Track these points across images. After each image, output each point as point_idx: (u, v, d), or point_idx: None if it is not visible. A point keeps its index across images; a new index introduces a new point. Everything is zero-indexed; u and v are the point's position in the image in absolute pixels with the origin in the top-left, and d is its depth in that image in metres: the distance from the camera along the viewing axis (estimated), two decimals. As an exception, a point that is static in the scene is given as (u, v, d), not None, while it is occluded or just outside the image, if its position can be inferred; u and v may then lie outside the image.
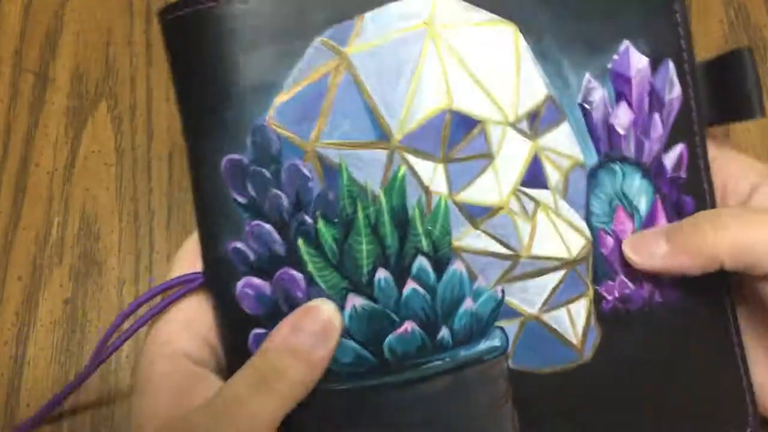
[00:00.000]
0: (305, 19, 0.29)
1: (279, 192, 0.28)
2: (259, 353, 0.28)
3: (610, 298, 0.32)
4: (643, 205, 0.32)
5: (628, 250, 0.32)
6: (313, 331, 0.28)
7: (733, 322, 0.33)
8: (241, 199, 0.29)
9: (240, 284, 0.29)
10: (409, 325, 0.29)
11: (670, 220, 0.32)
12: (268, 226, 0.28)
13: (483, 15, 0.30)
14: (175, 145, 0.42)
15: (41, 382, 0.37)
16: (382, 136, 0.29)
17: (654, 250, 0.31)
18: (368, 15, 0.29)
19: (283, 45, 0.28)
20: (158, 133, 0.42)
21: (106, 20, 0.45)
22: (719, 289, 0.33)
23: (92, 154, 0.42)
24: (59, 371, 0.38)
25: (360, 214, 0.29)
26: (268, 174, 0.28)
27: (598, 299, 0.32)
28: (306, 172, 0.29)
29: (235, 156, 0.28)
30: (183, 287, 0.30)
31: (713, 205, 0.33)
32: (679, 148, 0.32)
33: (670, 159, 0.32)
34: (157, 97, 0.43)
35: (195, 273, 0.30)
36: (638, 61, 0.32)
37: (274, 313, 0.29)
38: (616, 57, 0.32)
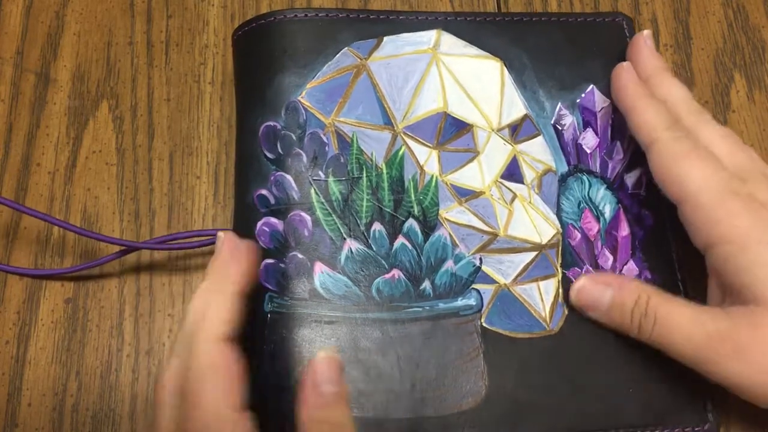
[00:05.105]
0: (338, 35, 0.38)
1: (300, 151, 0.35)
2: None
3: (576, 282, 0.36)
4: (607, 211, 0.38)
5: (573, 297, 0.35)
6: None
7: None
8: (270, 155, 0.36)
9: (260, 223, 0.35)
10: (396, 273, 0.34)
11: (632, 228, 0.37)
12: (288, 177, 0.35)
13: (477, 51, 0.39)
14: (176, 144, 0.42)
15: (42, 381, 0.37)
16: (388, 122, 0.37)
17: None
18: (386, 38, 0.38)
19: (320, 49, 0.37)
20: (159, 133, 0.42)
21: (107, 20, 0.45)
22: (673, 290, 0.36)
23: (93, 154, 0.42)
24: (60, 371, 0.37)
25: (365, 177, 0.35)
26: (294, 137, 0.36)
27: (566, 281, 0.36)
28: (324, 139, 0.36)
29: (271, 123, 0.36)
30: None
31: (671, 223, 0.38)
32: (638, 172, 0.38)
33: (631, 179, 0.38)
34: (158, 97, 0.43)
35: (212, 230, 0.37)
36: (602, 101, 0.39)
37: (283, 246, 0.34)
38: (583, 95, 0.39)
